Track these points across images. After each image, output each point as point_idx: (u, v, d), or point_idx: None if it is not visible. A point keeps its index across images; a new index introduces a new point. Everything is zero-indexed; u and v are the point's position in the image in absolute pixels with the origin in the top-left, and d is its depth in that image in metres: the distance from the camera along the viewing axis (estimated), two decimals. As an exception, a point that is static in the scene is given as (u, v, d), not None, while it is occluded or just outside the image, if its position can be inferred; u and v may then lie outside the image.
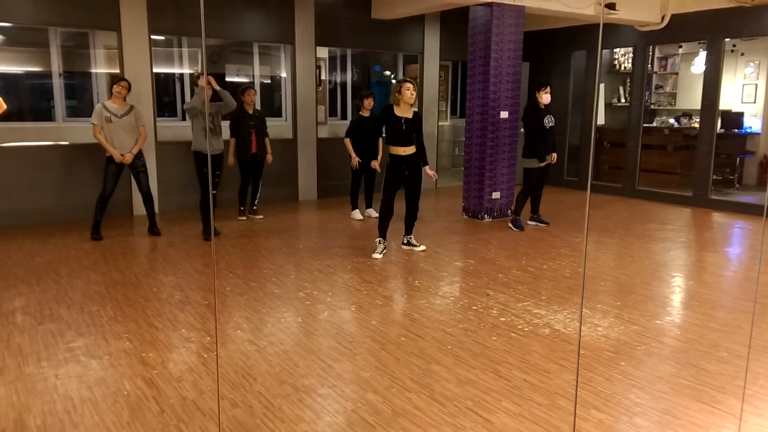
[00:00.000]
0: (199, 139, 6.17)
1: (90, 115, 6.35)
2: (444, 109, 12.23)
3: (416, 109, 5.74)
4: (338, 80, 10.45)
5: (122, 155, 6.22)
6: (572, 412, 2.90)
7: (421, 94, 9.94)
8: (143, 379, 3.21)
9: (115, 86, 6.25)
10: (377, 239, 5.82)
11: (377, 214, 6.06)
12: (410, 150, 5.63)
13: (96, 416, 2.83)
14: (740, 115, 10.03)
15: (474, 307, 4.40)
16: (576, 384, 3.14)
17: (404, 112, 5.58)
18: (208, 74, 6.13)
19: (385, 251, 5.78)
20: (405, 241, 6.06)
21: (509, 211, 7.79)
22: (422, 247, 6.02)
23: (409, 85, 5.52)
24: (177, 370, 3.33)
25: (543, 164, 6.88)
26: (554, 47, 10.35)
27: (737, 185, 9.97)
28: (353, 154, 7.15)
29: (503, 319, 4.17)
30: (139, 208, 7.13)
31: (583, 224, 7.49)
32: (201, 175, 6.24)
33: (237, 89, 7.57)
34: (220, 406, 2.94)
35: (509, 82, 7.54)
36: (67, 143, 7.33)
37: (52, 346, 3.64)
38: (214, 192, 6.39)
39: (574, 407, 2.88)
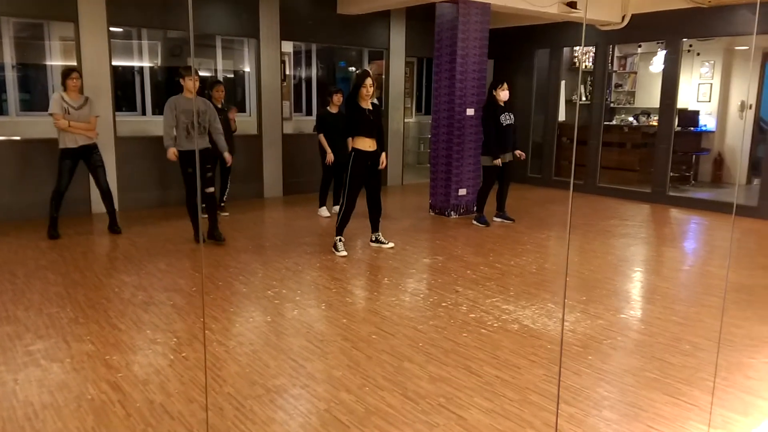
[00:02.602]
0: (181, 138, 5.76)
1: (45, 109, 6.10)
2: (409, 105, 12.25)
3: (374, 101, 5.74)
4: (303, 75, 10.34)
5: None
6: (543, 407, 2.94)
7: (387, 90, 9.93)
8: (108, 383, 3.11)
9: (69, 80, 6.01)
10: (338, 238, 5.76)
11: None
12: (375, 145, 5.63)
13: (59, 422, 2.73)
14: (696, 113, 10.34)
15: (443, 304, 4.41)
16: (558, 383, 3.18)
17: (366, 104, 5.59)
18: (178, 71, 5.87)
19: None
20: (373, 239, 6.04)
21: (475, 207, 7.85)
22: (391, 244, 6.01)
23: (369, 80, 5.53)
24: (143, 372, 3.24)
25: (496, 162, 6.90)
26: (518, 45, 10.47)
27: (693, 182, 10.29)
28: (329, 150, 7.08)
29: (473, 315, 4.20)
30: (97, 205, 6.91)
31: (548, 221, 7.61)
32: (186, 174, 5.84)
33: (204, 84, 7.42)
34: (189, 409, 2.87)
35: (475, 79, 7.59)
36: (20, 138, 7.05)
37: (9, 349, 3.50)
38: (212, 190, 5.98)
39: (556, 405, 2.91)
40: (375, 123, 5.63)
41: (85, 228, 6.66)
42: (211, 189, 5.96)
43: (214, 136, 5.93)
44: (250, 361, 3.39)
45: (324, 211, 7.51)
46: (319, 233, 6.61)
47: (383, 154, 5.74)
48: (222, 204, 7.48)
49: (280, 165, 8.93)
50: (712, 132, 10.48)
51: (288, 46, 9.56)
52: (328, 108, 7.28)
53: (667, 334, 3.91)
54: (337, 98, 7.19)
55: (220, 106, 7.01)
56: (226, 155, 6.08)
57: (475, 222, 7.19)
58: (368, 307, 4.43)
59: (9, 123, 7.33)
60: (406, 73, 10.40)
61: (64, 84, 6.07)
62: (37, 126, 7.03)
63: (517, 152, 7.13)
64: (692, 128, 10.24)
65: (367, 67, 10.35)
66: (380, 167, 5.74)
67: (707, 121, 10.48)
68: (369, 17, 9.31)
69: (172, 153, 5.66)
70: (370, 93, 5.54)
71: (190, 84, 5.70)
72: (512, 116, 7.04)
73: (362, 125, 5.56)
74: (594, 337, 3.83)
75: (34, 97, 7.99)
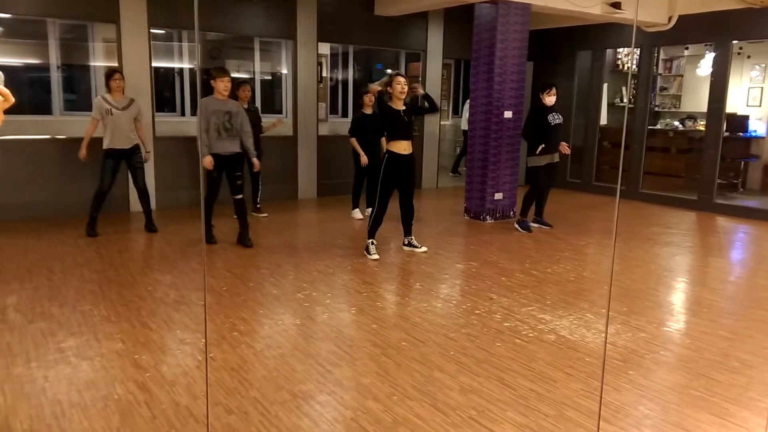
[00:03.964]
0: (212, 139, 5.73)
1: (88, 109, 6.21)
2: (446, 108, 12.12)
3: (407, 101, 5.65)
4: (340, 77, 10.33)
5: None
6: (581, 423, 2.80)
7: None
8: (135, 383, 3.10)
9: (112, 81, 6.10)
10: (370, 241, 5.68)
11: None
12: (410, 147, 5.54)
13: (85, 422, 2.72)
14: (745, 118, 9.92)
15: (477, 311, 4.29)
16: (600, 399, 3.04)
17: (398, 106, 5.50)
18: (208, 72, 5.82)
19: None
20: (406, 242, 5.94)
21: (512, 212, 7.68)
22: (424, 249, 5.91)
23: (400, 79, 5.46)
24: (170, 373, 3.22)
25: (546, 162, 6.72)
26: (559, 47, 10.24)
27: (741, 189, 9.87)
28: (362, 153, 7.02)
29: (507, 324, 4.06)
30: (135, 204, 7.00)
31: (587, 227, 7.38)
32: (210, 176, 5.79)
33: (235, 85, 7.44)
34: (214, 412, 2.83)
35: (513, 81, 7.42)
36: (64, 137, 7.20)
37: (42, 346, 3.53)
38: (241, 196, 5.92)
39: (597, 424, 2.77)
40: (410, 124, 5.54)
41: (123, 226, 6.75)
42: (240, 196, 5.93)
43: (244, 140, 5.90)
44: (278, 365, 3.34)
45: (357, 213, 7.45)
46: (351, 236, 6.54)
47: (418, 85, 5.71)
48: (258, 206, 7.49)
49: (315, 166, 8.91)
50: (763, 138, 10.04)
51: (325, 48, 9.55)
52: (362, 110, 7.22)
53: (714, 350, 3.70)
54: (369, 98, 7.11)
55: (246, 106, 7.01)
56: (255, 161, 6.02)
57: (517, 226, 7.01)
58: (399, 312, 4.34)
59: (54, 122, 7.51)
60: (443, 76, 10.28)
61: (107, 85, 6.17)
62: (81, 125, 7.13)
63: (564, 145, 6.91)
64: (741, 133, 9.83)
65: (402, 69, 10.27)
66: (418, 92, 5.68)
67: (757, 126, 10.05)
68: (406, 18, 9.23)
69: (208, 162, 5.64)
70: (405, 91, 5.44)
71: (220, 85, 5.67)
72: (560, 116, 6.87)
73: (397, 127, 5.48)
74: (635, 351, 3.65)
75: (79, 98, 8.17)
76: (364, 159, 7.02)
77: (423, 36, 9.66)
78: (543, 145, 6.68)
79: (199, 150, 5.64)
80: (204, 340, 3.65)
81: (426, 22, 9.60)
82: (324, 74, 9.67)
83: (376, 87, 5.80)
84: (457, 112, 12.68)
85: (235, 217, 6.06)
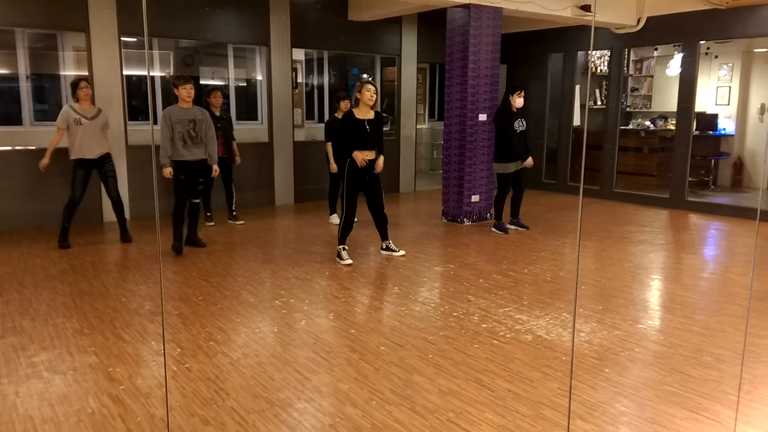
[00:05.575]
0: (177, 147, 5.72)
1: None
2: (422, 112, 12.17)
3: (378, 110, 5.62)
4: (315, 83, 10.31)
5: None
6: (558, 422, 2.82)
7: (399, 96, 9.86)
8: (109, 396, 3.04)
9: (79, 90, 6.01)
10: (341, 246, 5.65)
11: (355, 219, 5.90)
12: (372, 155, 5.53)
13: (57, 437, 2.66)
14: (715, 116, 10.14)
15: (455, 314, 4.30)
16: (569, 397, 3.06)
17: (365, 113, 5.47)
18: (181, 82, 5.78)
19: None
20: (384, 247, 5.95)
21: (489, 214, 7.74)
22: (402, 252, 5.91)
23: (370, 86, 5.44)
24: (145, 385, 3.17)
25: (512, 170, 6.79)
26: (531, 49, 10.35)
27: (712, 187, 10.07)
28: (332, 160, 7.01)
29: (485, 325, 4.08)
30: (109, 214, 6.91)
31: (563, 227, 7.46)
32: (177, 182, 5.78)
33: (201, 91, 7.40)
34: (190, 423, 2.79)
35: (487, 84, 7.49)
36: (34, 148, 7.07)
37: (13, 360, 3.45)
38: (198, 201, 6.04)
39: (567, 421, 2.79)
40: (370, 135, 5.47)
41: (96, 237, 6.65)
42: (197, 200, 6.05)
43: (207, 146, 5.89)
44: (255, 374, 3.31)
45: (335, 218, 7.43)
46: (329, 241, 6.53)
47: (380, 157, 5.58)
48: (234, 213, 7.44)
49: (292, 172, 8.88)
50: (732, 135, 10.26)
51: (300, 54, 9.53)
52: (335, 114, 7.21)
53: (688, 346, 3.76)
54: (345, 104, 7.11)
55: (218, 113, 6.97)
56: (215, 167, 6.01)
57: (494, 230, 7.06)
58: (377, 317, 4.33)
59: (24, 133, 7.37)
60: (418, 80, 10.33)
61: (74, 95, 6.07)
62: (51, 136, 7.01)
63: (528, 161, 6.98)
64: (711, 132, 10.03)
65: (377, 73, 10.29)
66: (376, 171, 5.56)
67: (726, 124, 10.27)
68: (380, 24, 9.26)
69: (167, 172, 5.67)
70: (365, 100, 5.41)
71: (183, 92, 5.66)
72: (525, 122, 6.93)
73: (353, 137, 5.44)
74: (610, 349, 3.69)
75: (49, 108, 8.03)
76: (333, 166, 7.00)
77: (397, 40, 9.69)
78: (505, 163, 6.82)
79: (158, 160, 5.66)
80: (178, 350, 3.61)
81: (400, 27, 9.64)
82: (299, 80, 9.64)
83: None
84: (433, 115, 12.74)
85: (188, 217, 6.10)
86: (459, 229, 7.29)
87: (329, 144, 7.06)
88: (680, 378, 3.30)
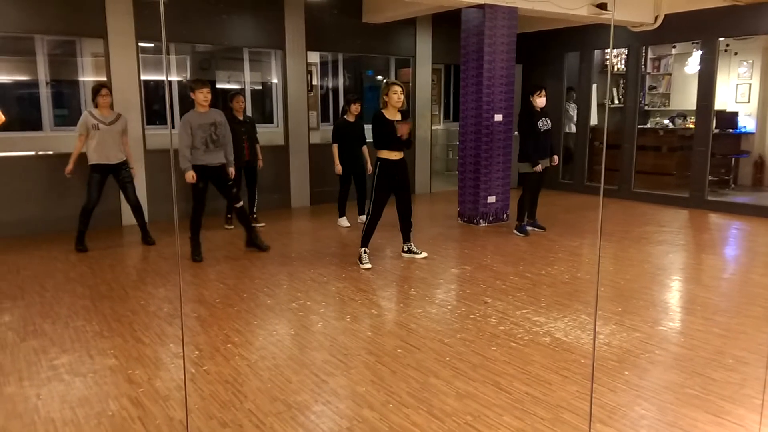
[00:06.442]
0: (198, 152, 5.70)
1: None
2: (437, 113, 12.15)
3: (404, 109, 5.60)
4: (330, 85, 10.34)
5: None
6: (577, 426, 2.79)
7: (414, 98, 9.85)
8: (129, 398, 3.07)
9: (99, 96, 6.08)
10: (362, 249, 5.61)
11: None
12: (401, 154, 5.52)
13: (78, 440, 2.69)
14: (735, 114, 9.98)
15: (472, 316, 4.28)
16: (590, 401, 3.03)
17: (394, 115, 5.46)
18: (197, 87, 5.80)
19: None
20: (405, 249, 5.92)
21: (505, 215, 7.69)
22: (424, 254, 5.88)
23: (397, 88, 5.39)
24: (164, 387, 3.20)
25: (536, 168, 6.73)
26: (547, 49, 10.28)
27: (732, 185, 9.92)
28: (337, 162, 7.03)
29: (502, 327, 4.06)
30: (128, 217, 6.99)
31: (581, 228, 7.40)
32: (196, 189, 5.74)
33: (226, 96, 7.44)
34: (209, 426, 2.81)
35: (503, 84, 7.45)
36: (54, 153, 7.18)
37: (34, 363, 3.50)
38: (241, 203, 6.02)
39: (588, 425, 2.76)
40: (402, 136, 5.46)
41: (116, 240, 6.72)
42: (240, 203, 6.00)
43: (225, 149, 5.88)
44: (272, 376, 3.32)
45: (344, 221, 7.43)
46: (345, 243, 6.53)
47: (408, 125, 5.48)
48: (254, 215, 7.47)
49: (307, 175, 8.91)
50: (752, 134, 10.10)
51: (315, 57, 9.57)
52: (345, 117, 7.21)
53: (709, 348, 3.70)
54: (355, 107, 7.11)
55: (241, 117, 7.01)
56: (231, 170, 6.00)
57: (516, 232, 6.97)
58: (394, 319, 4.33)
59: (43, 138, 7.49)
60: (433, 81, 10.31)
61: (94, 101, 6.15)
62: (72, 140, 7.09)
63: (554, 158, 6.96)
64: (731, 130, 9.88)
65: (392, 75, 10.29)
66: (400, 133, 5.38)
67: (747, 122, 10.10)
68: (395, 25, 9.26)
69: (190, 176, 5.63)
70: (393, 103, 5.37)
71: (200, 96, 5.64)
72: (549, 122, 6.88)
73: (384, 138, 5.40)
74: (630, 351, 3.65)
75: (68, 113, 8.15)
76: (338, 168, 7.02)
77: (412, 42, 9.68)
78: (534, 164, 6.71)
79: (178, 164, 5.70)
80: (196, 353, 3.64)
81: (414, 28, 9.63)
82: (314, 83, 9.68)
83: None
84: (448, 116, 12.71)
85: (241, 224, 6.16)
86: (475, 231, 7.26)
87: (335, 146, 7.07)
88: (702, 381, 3.25)
